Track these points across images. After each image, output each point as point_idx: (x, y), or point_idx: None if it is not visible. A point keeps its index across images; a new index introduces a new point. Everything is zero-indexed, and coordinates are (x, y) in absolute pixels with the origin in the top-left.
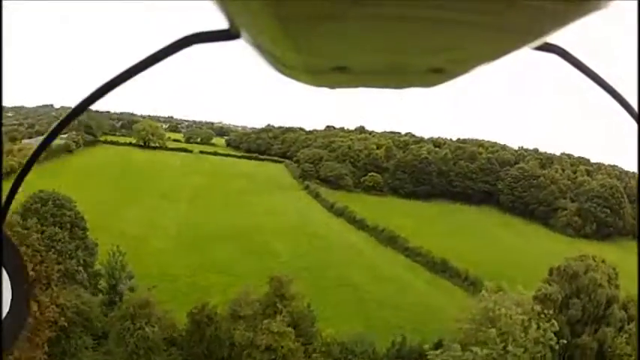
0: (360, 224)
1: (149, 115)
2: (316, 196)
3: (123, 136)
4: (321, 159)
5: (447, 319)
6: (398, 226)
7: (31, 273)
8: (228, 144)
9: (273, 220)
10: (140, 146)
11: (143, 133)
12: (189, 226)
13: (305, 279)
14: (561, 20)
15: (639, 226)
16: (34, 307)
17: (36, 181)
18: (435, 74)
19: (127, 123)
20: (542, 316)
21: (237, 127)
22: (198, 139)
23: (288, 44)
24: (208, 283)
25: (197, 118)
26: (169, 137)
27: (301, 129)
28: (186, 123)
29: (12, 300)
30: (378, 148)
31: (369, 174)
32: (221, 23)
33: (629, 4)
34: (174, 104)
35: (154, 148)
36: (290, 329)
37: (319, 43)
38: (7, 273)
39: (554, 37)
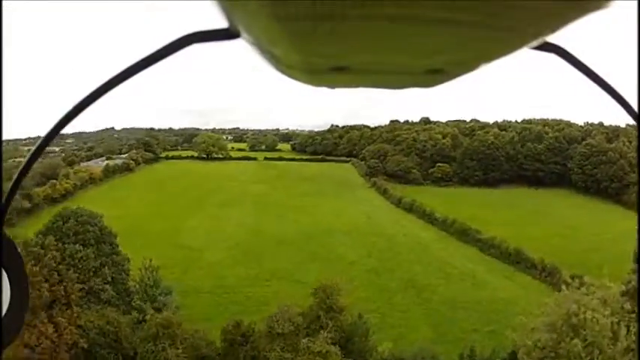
0: (429, 218)
1: (213, 129)
2: (384, 192)
3: (184, 150)
4: (387, 154)
5: (524, 324)
6: (469, 216)
7: (46, 294)
8: (294, 148)
9: (340, 221)
10: (202, 159)
11: (204, 146)
12: (253, 234)
13: (372, 282)
14: (561, 20)
15: None
16: (50, 329)
17: (94, 200)
18: (434, 74)
19: (188, 137)
20: (633, 315)
21: (303, 131)
22: (263, 147)
23: (288, 44)
24: (269, 291)
25: (262, 127)
26: (233, 147)
27: (365, 126)
28: (251, 132)
29: (11, 299)
30: (443, 138)
31: (437, 165)
32: (221, 22)
33: (630, 4)
34: (240, 115)
35: (217, 159)
36: (336, 348)
37: (318, 43)
38: (7, 273)
39: (554, 37)
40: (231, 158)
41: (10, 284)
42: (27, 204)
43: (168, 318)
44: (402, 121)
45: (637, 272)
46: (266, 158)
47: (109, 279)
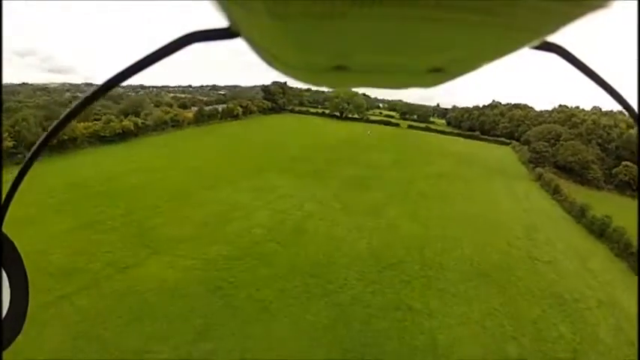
0: (608, 238)
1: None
2: (554, 191)
3: (314, 107)
4: (559, 137)
5: None
6: None
7: None
8: (449, 123)
9: (482, 225)
10: (334, 116)
11: (337, 101)
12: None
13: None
14: (561, 20)
15: None
16: None
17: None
18: (435, 74)
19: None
20: None
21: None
22: (415, 116)
23: (288, 43)
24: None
25: (422, 102)
26: (381, 112)
27: (530, 107)
28: (406, 103)
29: (11, 300)
30: (628, 128)
31: (623, 164)
32: (221, 22)
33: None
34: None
35: (350, 119)
36: None
37: (319, 43)
38: (7, 273)
39: (554, 37)
40: (368, 120)
41: (10, 285)
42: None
43: None
44: (570, 106)
45: (637, 271)
46: (410, 127)
47: None
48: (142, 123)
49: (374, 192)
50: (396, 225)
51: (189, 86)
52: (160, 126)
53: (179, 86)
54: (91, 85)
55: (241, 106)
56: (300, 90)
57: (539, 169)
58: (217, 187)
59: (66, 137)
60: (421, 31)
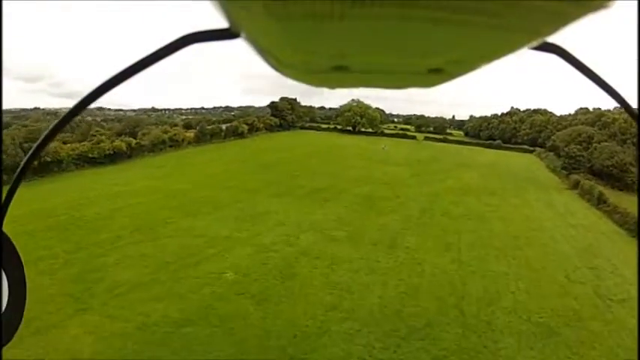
0: None
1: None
2: (598, 201)
3: (326, 123)
4: (592, 139)
5: None
6: None
7: None
8: (467, 133)
9: (527, 248)
10: (345, 131)
11: (349, 115)
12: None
13: None
14: (561, 20)
15: None
16: None
17: None
18: (434, 74)
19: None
20: None
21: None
22: (431, 128)
23: (288, 44)
24: None
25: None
26: (396, 127)
27: (551, 112)
28: (420, 116)
29: (9, 299)
30: None
31: None
32: (221, 22)
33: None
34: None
35: (364, 133)
36: None
37: (318, 43)
38: (5, 273)
39: (554, 37)
40: (382, 134)
41: (9, 285)
42: None
43: None
44: (591, 109)
45: (637, 269)
46: (427, 138)
47: None
48: (137, 143)
49: (388, 214)
50: (418, 260)
51: (202, 108)
52: (157, 146)
53: (191, 108)
54: (101, 108)
55: (247, 124)
56: (311, 106)
57: (574, 176)
58: (199, 214)
59: (49, 159)
60: (421, 32)
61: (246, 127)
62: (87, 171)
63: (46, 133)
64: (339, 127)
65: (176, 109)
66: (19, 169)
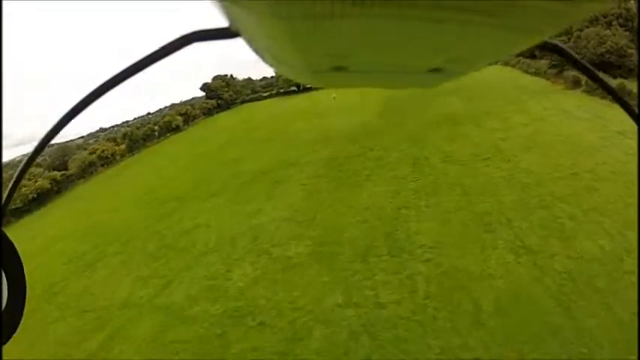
0: None
1: None
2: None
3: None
4: (570, 28)
5: None
6: None
7: None
8: None
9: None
10: (292, 92)
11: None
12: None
13: None
14: (561, 20)
15: None
16: None
17: None
18: (434, 74)
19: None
20: None
21: None
22: None
23: (288, 43)
24: None
25: None
26: None
27: None
28: None
29: (8, 299)
30: None
31: None
32: (221, 21)
33: None
34: None
35: (310, 89)
36: None
37: (319, 43)
38: (5, 274)
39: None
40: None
41: (9, 285)
42: None
43: None
44: None
45: (637, 267)
46: None
47: None
48: (62, 175)
49: (366, 181)
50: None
51: (126, 122)
52: (87, 170)
53: (113, 126)
54: (104, 129)
55: (180, 115)
56: (249, 78)
57: (568, 73)
58: (98, 266)
59: None
60: (421, 32)
61: (180, 118)
62: (11, 227)
63: (46, 133)
64: (282, 90)
65: (123, 123)
66: (21, 166)
